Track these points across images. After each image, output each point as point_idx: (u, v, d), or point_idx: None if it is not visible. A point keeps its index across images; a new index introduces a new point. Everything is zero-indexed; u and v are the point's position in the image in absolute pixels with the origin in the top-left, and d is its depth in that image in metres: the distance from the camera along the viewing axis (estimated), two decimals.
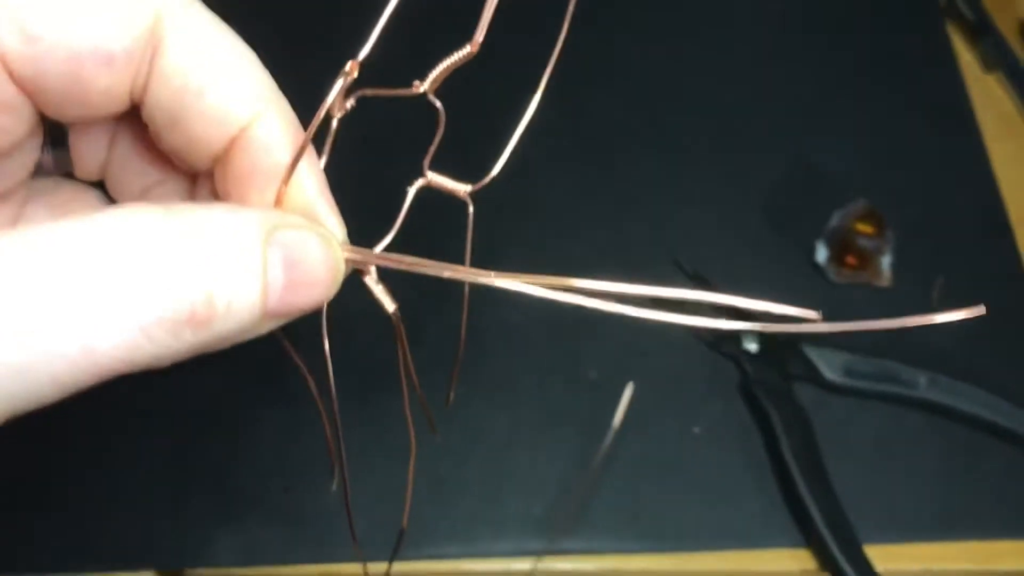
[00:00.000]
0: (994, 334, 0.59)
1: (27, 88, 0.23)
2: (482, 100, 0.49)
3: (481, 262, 0.26)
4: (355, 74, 0.23)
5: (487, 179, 0.26)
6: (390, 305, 0.25)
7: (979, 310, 0.22)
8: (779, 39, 0.74)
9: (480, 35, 0.23)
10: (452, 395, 0.37)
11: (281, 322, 0.24)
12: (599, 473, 0.53)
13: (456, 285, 0.27)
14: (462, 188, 0.27)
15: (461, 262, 0.26)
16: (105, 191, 0.30)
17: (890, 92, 0.71)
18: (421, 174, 0.26)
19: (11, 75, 0.23)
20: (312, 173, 0.25)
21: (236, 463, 0.54)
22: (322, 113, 0.24)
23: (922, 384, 0.57)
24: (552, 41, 0.30)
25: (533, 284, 0.23)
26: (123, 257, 0.20)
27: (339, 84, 0.23)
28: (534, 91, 0.30)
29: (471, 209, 0.27)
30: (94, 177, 0.30)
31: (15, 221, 0.28)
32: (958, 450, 0.56)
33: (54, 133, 0.28)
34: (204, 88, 0.24)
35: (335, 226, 0.26)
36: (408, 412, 0.29)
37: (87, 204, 0.30)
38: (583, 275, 0.23)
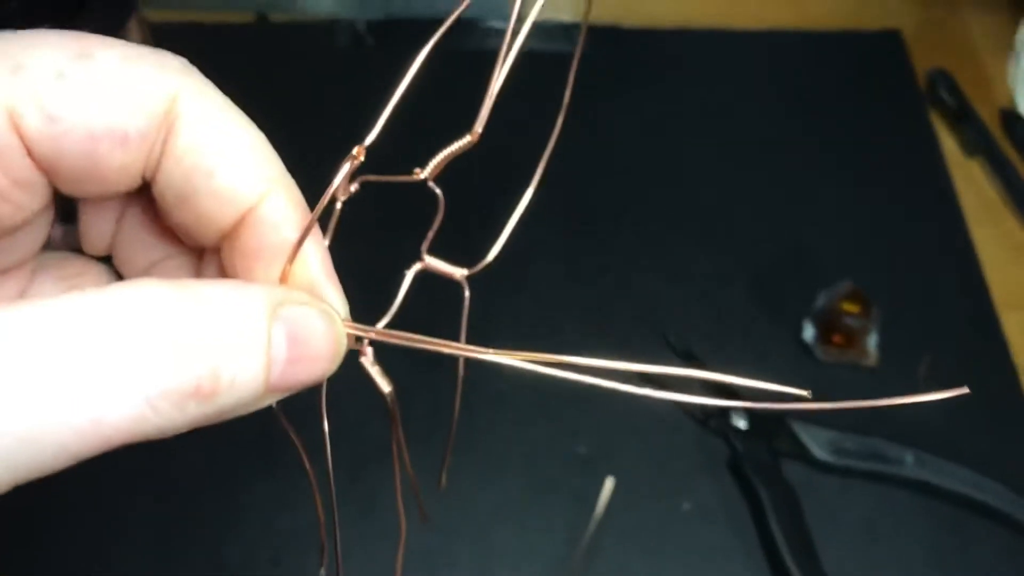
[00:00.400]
0: (981, 413, 0.59)
1: (44, 166, 0.24)
2: (478, 181, 0.50)
3: (474, 341, 0.27)
4: (361, 158, 0.24)
5: (482, 264, 0.27)
6: (386, 386, 0.26)
7: (962, 390, 0.23)
8: (768, 124, 0.76)
9: (480, 126, 0.24)
10: (444, 478, 0.37)
11: (282, 396, 0.24)
12: (587, 555, 0.53)
13: (447, 361, 0.27)
14: (458, 272, 0.27)
15: (456, 340, 0.27)
16: (112, 265, 0.31)
17: (875, 175, 0.73)
18: (419, 258, 0.27)
19: (30, 153, 0.23)
20: (317, 251, 0.26)
21: (225, 535, 0.54)
22: (329, 194, 0.24)
23: (910, 463, 0.57)
24: (549, 126, 0.31)
25: (529, 361, 0.23)
26: (132, 330, 0.21)
27: (345, 168, 0.24)
28: (529, 172, 0.31)
29: (467, 292, 0.28)
30: (101, 252, 0.31)
31: (23, 293, 0.29)
32: (946, 529, 0.56)
33: (64, 208, 0.29)
34: (215, 168, 0.25)
35: (338, 303, 0.26)
36: (400, 497, 0.29)
37: (94, 278, 0.30)
38: (574, 352, 0.23)
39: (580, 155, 0.70)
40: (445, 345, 0.24)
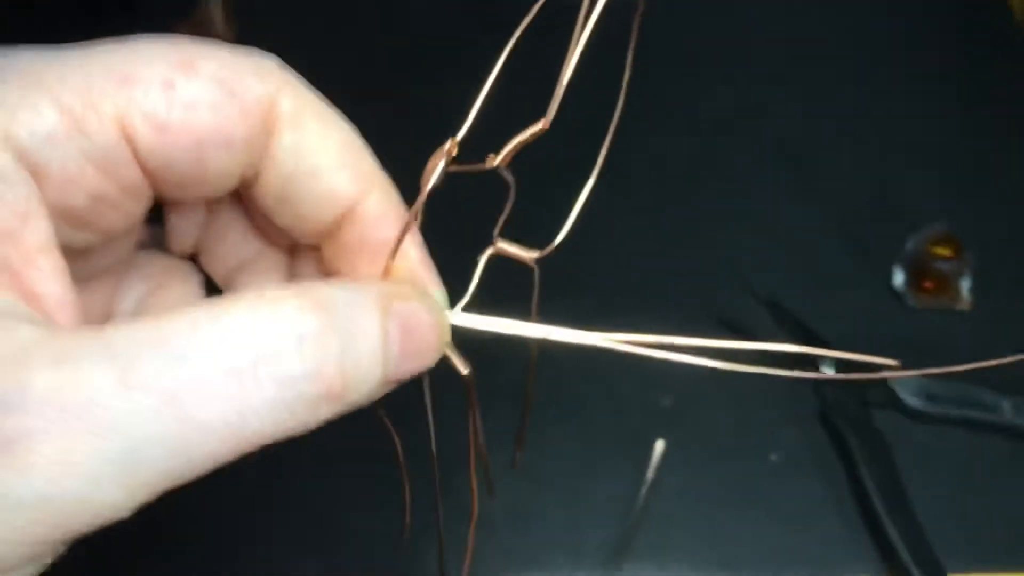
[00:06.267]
0: None
1: (152, 173, 0.25)
2: (543, 159, 0.49)
3: (552, 309, 0.27)
4: (454, 152, 0.25)
5: (552, 246, 0.27)
6: (463, 369, 0.27)
7: None
8: (855, 62, 0.73)
9: (551, 113, 0.24)
10: (519, 458, 0.38)
11: (393, 387, 0.25)
12: (678, 501, 0.53)
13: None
14: (529, 255, 0.28)
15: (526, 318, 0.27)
16: (197, 263, 0.32)
17: (967, 113, 0.70)
18: (491, 242, 0.28)
19: (139, 162, 0.24)
20: (415, 244, 0.27)
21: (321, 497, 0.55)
22: (425, 192, 0.25)
23: (1006, 409, 0.56)
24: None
25: (634, 344, 0.24)
26: (269, 341, 0.21)
27: (441, 165, 0.25)
28: (596, 132, 0.30)
29: (537, 274, 0.28)
30: (188, 252, 0.31)
31: (113, 293, 0.30)
32: None
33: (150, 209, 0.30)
34: (316, 170, 0.26)
35: (438, 294, 0.28)
36: (474, 482, 0.30)
37: (181, 277, 0.31)
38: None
39: (653, 105, 0.69)
40: (552, 331, 0.26)
